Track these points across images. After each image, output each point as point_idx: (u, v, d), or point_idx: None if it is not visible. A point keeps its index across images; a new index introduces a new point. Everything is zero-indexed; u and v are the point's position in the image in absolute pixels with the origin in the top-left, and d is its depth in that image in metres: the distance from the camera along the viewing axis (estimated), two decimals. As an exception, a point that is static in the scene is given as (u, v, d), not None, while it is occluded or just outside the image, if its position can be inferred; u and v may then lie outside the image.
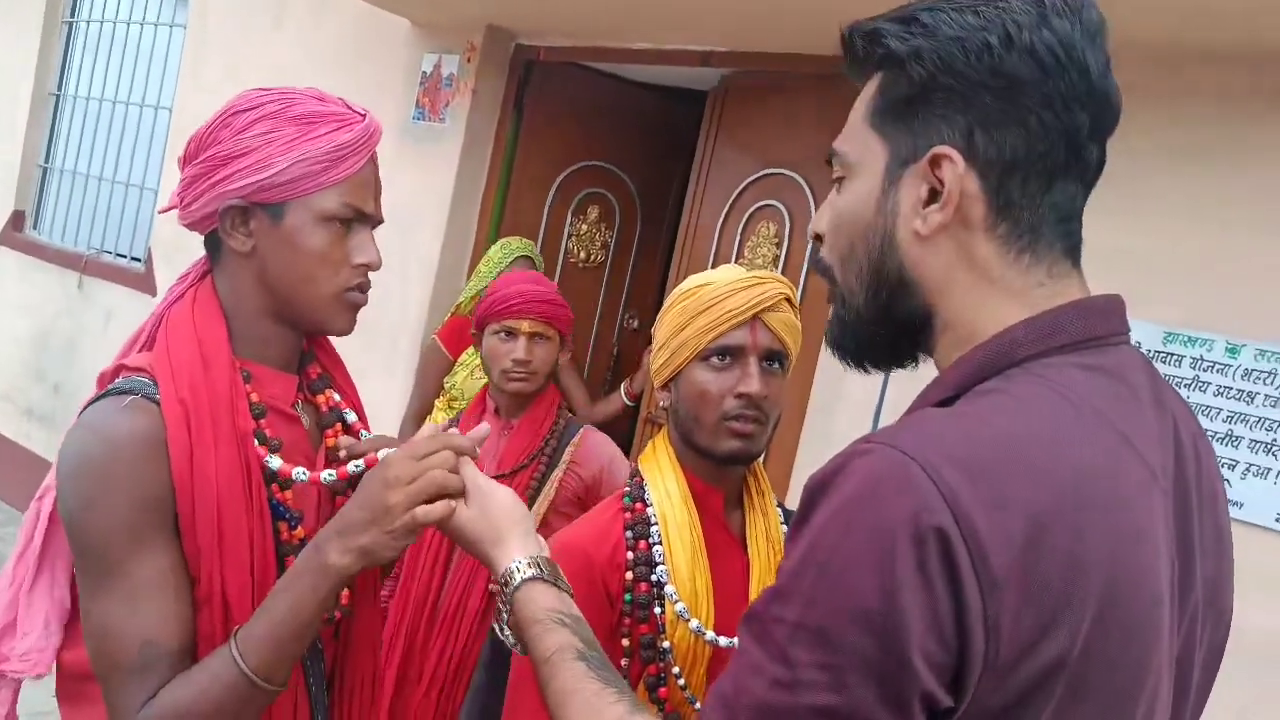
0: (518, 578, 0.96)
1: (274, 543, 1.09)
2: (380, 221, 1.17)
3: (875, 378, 2.48)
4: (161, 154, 4.56)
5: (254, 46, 4.12)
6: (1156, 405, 0.76)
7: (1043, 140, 0.73)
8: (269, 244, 1.10)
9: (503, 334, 1.99)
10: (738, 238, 3.00)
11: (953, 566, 0.62)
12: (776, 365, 1.29)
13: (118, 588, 0.99)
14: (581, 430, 2.05)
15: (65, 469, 1.03)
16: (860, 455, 0.67)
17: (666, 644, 1.22)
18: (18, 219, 5.21)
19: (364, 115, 1.13)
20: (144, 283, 4.50)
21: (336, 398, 1.23)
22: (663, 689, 1.21)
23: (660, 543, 1.26)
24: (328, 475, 1.13)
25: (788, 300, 1.31)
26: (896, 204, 0.77)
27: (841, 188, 0.82)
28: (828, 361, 2.60)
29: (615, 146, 3.72)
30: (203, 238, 1.16)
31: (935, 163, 0.75)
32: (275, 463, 1.10)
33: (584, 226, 3.72)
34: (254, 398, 1.11)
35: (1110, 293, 0.78)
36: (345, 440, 1.20)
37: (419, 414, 3.02)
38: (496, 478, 1.93)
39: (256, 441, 1.08)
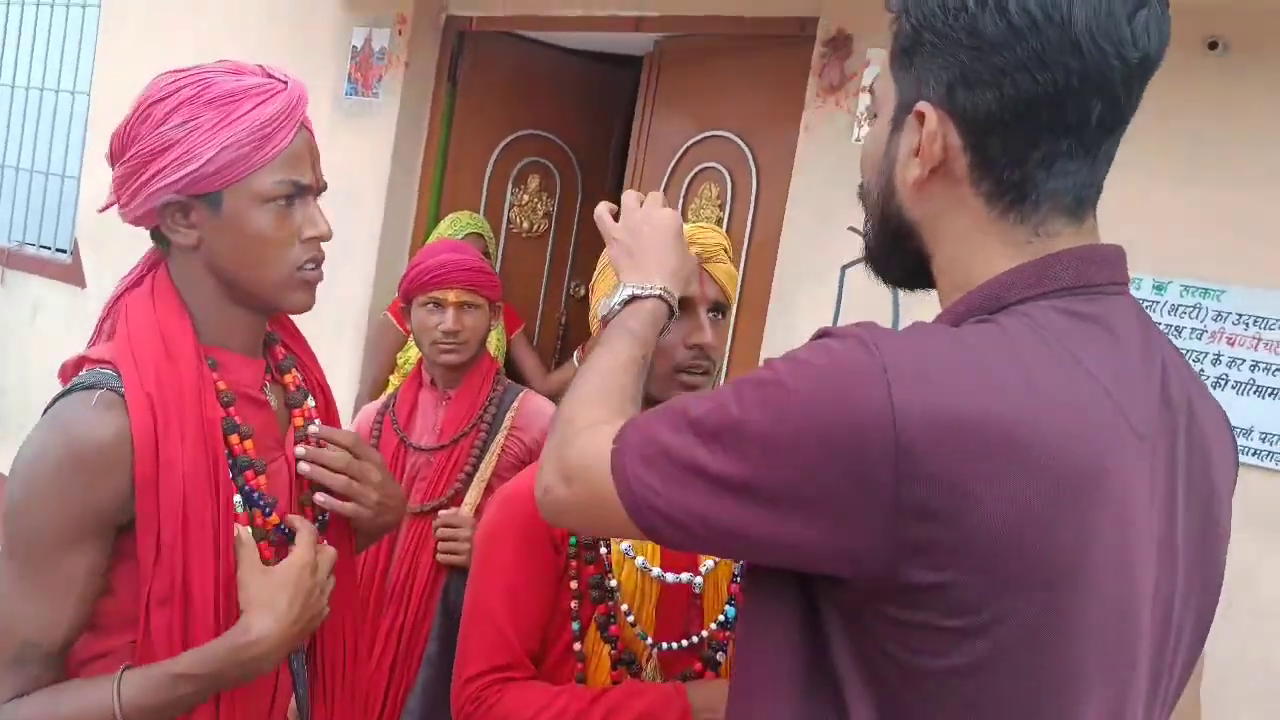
0: (651, 291, 1.06)
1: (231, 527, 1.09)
2: (323, 188, 1.15)
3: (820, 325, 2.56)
4: (81, 140, 4.42)
5: (174, 26, 4.00)
6: (1145, 355, 0.77)
7: (1019, 101, 0.73)
8: (213, 234, 1.08)
9: (430, 305, 1.98)
10: (680, 201, 3.03)
11: (875, 448, 0.68)
12: (719, 315, 1.33)
13: (25, 580, 1.00)
14: (521, 394, 2.06)
15: (23, 458, 1.03)
16: (852, 339, 0.73)
17: (614, 583, 1.25)
18: (-69, 214, 5.02)
19: (285, 82, 1.09)
20: (71, 274, 4.37)
21: (301, 377, 1.24)
22: (614, 627, 1.24)
23: None
24: (300, 451, 1.15)
25: (725, 250, 1.36)
26: (896, 149, 0.81)
27: (872, 124, 0.87)
28: (775, 313, 2.66)
29: (552, 115, 3.71)
30: (149, 231, 1.14)
31: (918, 116, 0.77)
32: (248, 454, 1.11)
33: (525, 196, 3.71)
34: (221, 385, 1.10)
35: (1111, 243, 0.79)
36: (315, 427, 1.20)
37: (374, 389, 3.01)
38: (437, 448, 1.96)
39: (226, 430, 1.08)
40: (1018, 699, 0.71)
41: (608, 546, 1.27)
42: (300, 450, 1.16)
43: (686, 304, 1.30)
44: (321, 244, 1.14)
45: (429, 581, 1.90)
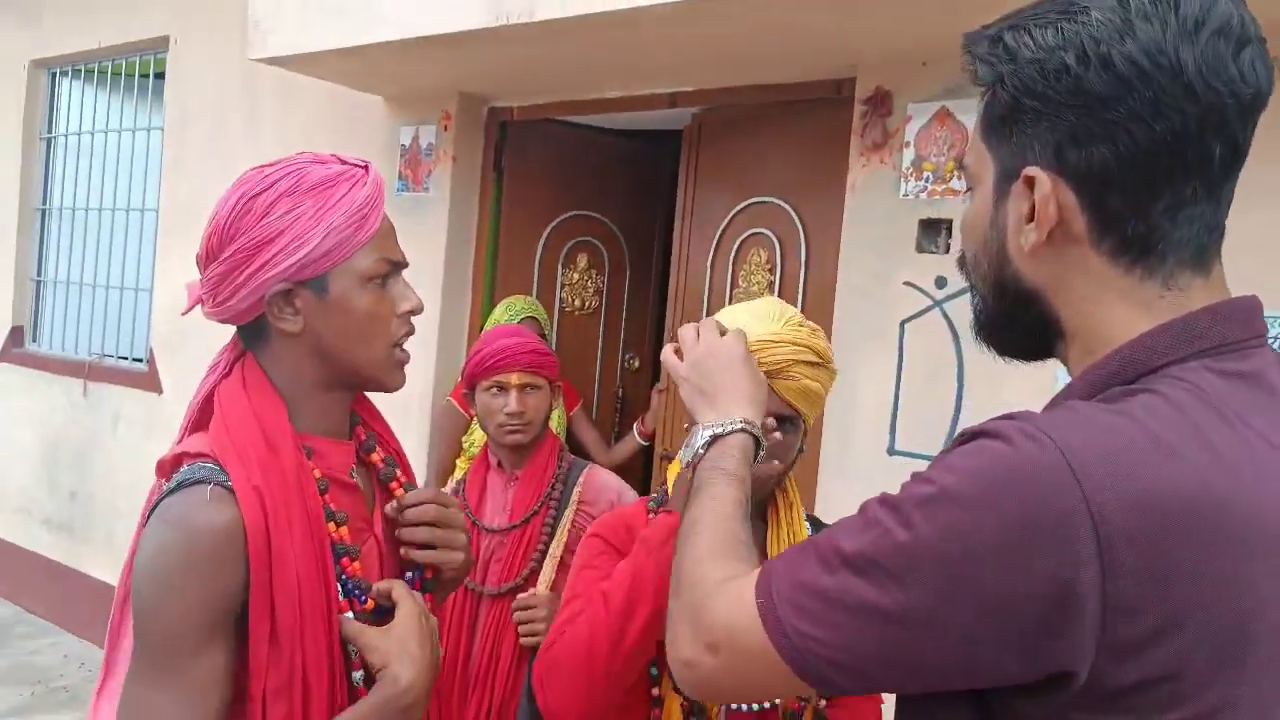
0: (733, 427, 1.04)
1: (336, 614, 1.09)
2: (408, 264, 1.19)
3: (885, 388, 2.53)
4: (152, 254, 4.62)
5: (232, 142, 4.20)
6: None
7: (1136, 152, 0.71)
8: (320, 318, 1.10)
9: (494, 389, 2.03)
10: (730, 267, 3.05)
11: (1073, 550, 0.64)
12: (787, 426, 1.30)
13: (171, 685, 0.99)
14: (586, 469, 2.09)
15: (143, 561, 1.03)
16: (1017, 431, 0.68)
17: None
18: (17, 334, 5.26)
19: (366, 166, 1.14)
20: (149, 381, 4.53)
21: (383, 454, 1.24)
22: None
23: None
24: (390, 509, 1.19)
25: (807, 361, 1.30)
26: (1004, 220, 0.80)
27: (968, 197, 0.86)
28: (839, 377, 2.63)
29: (596, 194, 3.79)
30: (236, 326, 1.16)
31: (1028, 183, 0.76)
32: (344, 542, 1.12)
33: (575, 275, 3.77)
34: (317, 474, 1.10)
35: (1247, 295, 0.77)
36: (391, 506, 1.21)
37: (440, 473, 3.07)
38: (509, 529, 2.00)
39: (326, 518, 1.09)
40: None
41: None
42: (389, 507, 1.19)
43: None
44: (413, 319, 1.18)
45: (512, 663, 1.90)
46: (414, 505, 1.19)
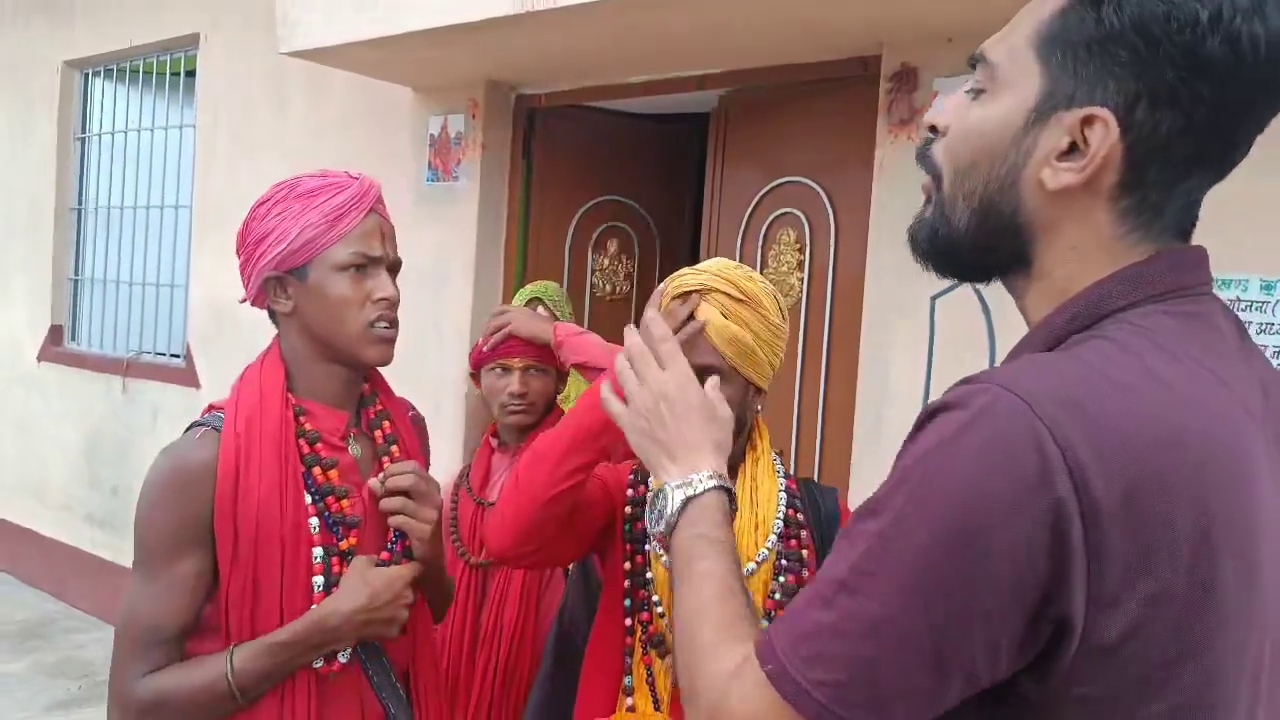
0: (705, 485, 0.92)
1: (308, 544, 1.31)
2: (396, 262, 1.38)
3: (917, 365, 2.53)
4: (186, 250, 4.68)
5: (262, 134, 4.25)
6: (1242, 351, 0.75)
7: (1203, 132, 0.70)
8: (303, 300, 1.34)
9: (498, 370, 2.11)
10: (759, 248, 3.05)
11: (1055, 496, 0.63)
12: (715, 377, 1.28)
13: (153, 581, 1.27)
14: None
15: (143, 483, 1.30)
16: (974, 394, 0.67)
17: (650, 574, 1.39)
18: (56, 333, 5.36)
19: (357, 178, 1.36)
20: (186, 376, 4.60)
21: (385, 434, 1.44)
22: (644, 614, 1.39)
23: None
24: (374, 482, 1.37)
25: (724, 291, 1.33)
26: (1034, 145, 0.74)
27: (980, 98, 0.78)
28: (868, 350, 2.64)
29: (625, 179, 3.79)
30: (265, 311, 1.41)
31: (1088, 121, 0.71)
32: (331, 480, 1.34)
33: (605, 261, 3.79)
34: (308, 427, 1.34)
35: (1196, 245, 0.77)
36: (378, 478, 1.38)
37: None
38: None
39: (309, 463, 1.32)
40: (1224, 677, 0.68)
41: (649, 541, 1.39)
42: (374, 481, 1.38)
43: None
44: (394, 306, 1.36)
45: (516, 626, 2.02)
46: (394, 475, 1.36)
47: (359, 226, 1.32)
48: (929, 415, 0.70)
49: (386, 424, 1.43)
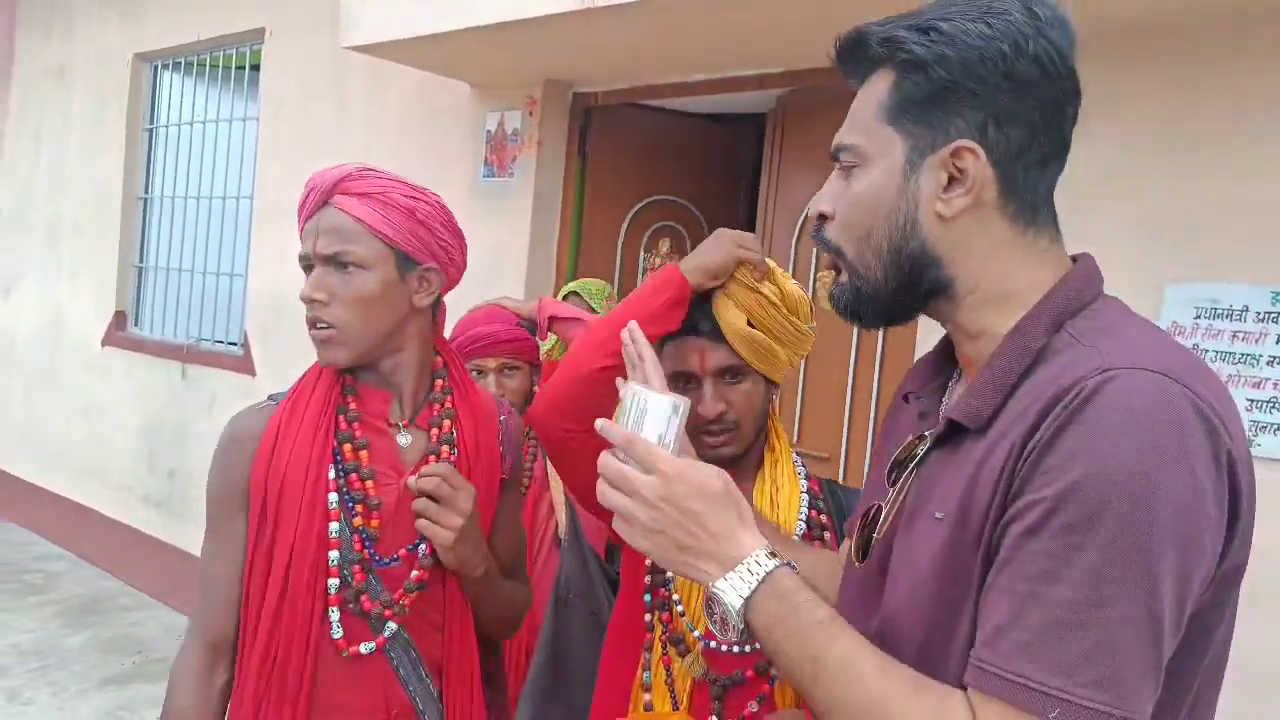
0: (765, 568, 0.85)
1: (323, 517, 1.32)
2: (322, 256, 1.33)
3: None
4: (247, 240, 4.77)
5: (323, 128, 4.32)
6: None
7: (1042, 133, 0.86)
8: None
9: (474, 373, 2.12)
10: (814, 250, 3.02)
11: (1226, 450, 0.75)
12: (733, 378, 1.38)
13: (215, 536, 1.37)
14: None
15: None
16: (1118, 380, 0.75)
17: (671, 575, 1.39)
18: (120, 318, 5.50)
19: (320, 175, 1.36)
20: (243, 365, 4.69)
21: (441, 432, 1.41)
22: (664, 613, 1.39)
23: None
24: (410, 480, 1.35)
25: (743, 282, 1.38)
26: (918, 190, 0.88)
27: (853, 175, 0.91)
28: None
29: (679, 178, 3.78)
30: None
31: (957, 154, 0.86)
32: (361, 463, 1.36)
33: (657, 260, 3.78)
34: (351, 405, 1.38)
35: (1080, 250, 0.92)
36: (411, 479, 1.36)
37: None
38: None
39: (341, 440, 1.35)
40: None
41: None
42: (411, 478, 1.36)
43: (690, 377, 1.38)
44: (318, 307, 1.33)
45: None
46: (424, 475, 1.34)
47: (305, 226, 1.36)
48: (1074, 408, 0.75)
49: (447, 423, 1.40)
